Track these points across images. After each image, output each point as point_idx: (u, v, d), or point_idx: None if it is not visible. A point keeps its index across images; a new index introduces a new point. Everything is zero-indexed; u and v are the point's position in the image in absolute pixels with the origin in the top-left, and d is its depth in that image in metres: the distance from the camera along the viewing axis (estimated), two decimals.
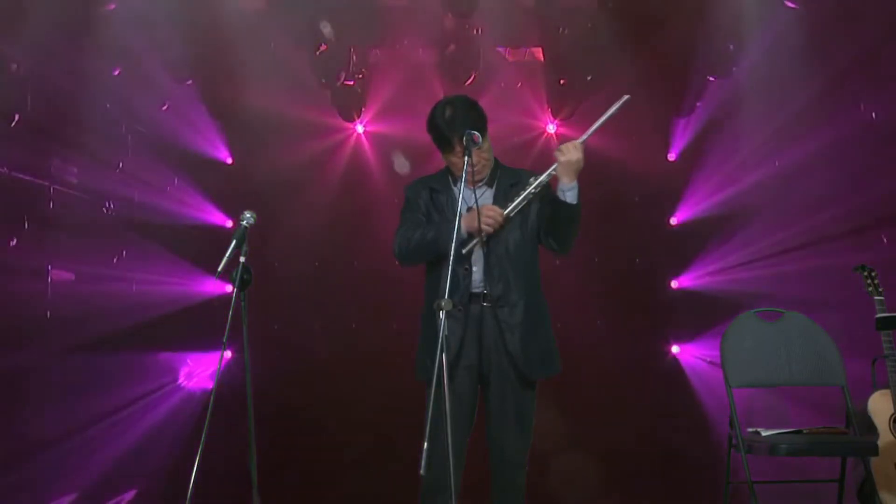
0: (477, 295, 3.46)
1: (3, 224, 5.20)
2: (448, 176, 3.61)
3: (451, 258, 3.18)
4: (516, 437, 3.48)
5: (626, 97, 3.50)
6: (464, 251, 3.39)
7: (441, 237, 3.41)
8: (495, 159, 3.61)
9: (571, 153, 3.42)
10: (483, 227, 3.39)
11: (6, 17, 4.98)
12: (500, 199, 3.51)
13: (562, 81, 5.98)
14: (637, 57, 5.61)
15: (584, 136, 3.49)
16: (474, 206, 3.35)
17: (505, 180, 3.58)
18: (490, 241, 3.46)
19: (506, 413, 3.47)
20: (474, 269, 3.46)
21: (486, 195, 3.54)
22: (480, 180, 3.48)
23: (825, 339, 4.21)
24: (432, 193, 3.59)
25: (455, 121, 3.43)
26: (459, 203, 3.36)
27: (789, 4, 5.52)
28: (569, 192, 3.43)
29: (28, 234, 5.31)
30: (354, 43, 5.86)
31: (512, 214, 3.45)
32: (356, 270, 6.14)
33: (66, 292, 5.57)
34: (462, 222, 3.34)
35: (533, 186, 3.47)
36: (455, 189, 3.55)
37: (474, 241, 3.42)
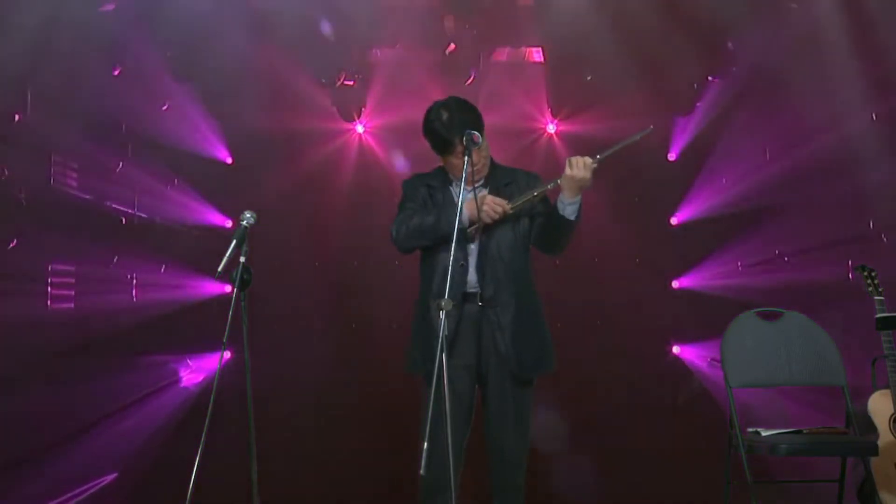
0: (472, 295, 3.47)
1: (3, 224, 5.20)
2: (444, 175, 3.61)
3: (452, 255, 3.18)
4: (515, 437, 3.49)
5: (650, 128, 3.51)
6: (468, 230, 3.42)
7: (441, 221, 3.43)
8: (490, 158, 3.62)
9: (579, 170, 3.37)
10: (483, 216, 3.40)
11: (6, 18, 4.98)
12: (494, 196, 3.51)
13: (562, 81, 5.98)
14: (637, 56, 5.61)
15: (599, 157, 3.42)
16: (474, 196, 3.37)
17: (500, 179, 3.58)
18: (482, 242, 3.47)
19: (505, 413, 3.47)
20: (470, 267, 3.47)
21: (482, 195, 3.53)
22: (479, 180, 3.49)
23: (825, 339, 4.21)
24: (430, 190, 3.60)
25: (454, 122, 3.44)
26: (460, 204, 3.37)
27: (785, 2, 5.51)
28: (569, 207, 3.41)
29: (28, 234, 5.30)
30: (354, 43, 5.86)
31: (512, 211, 3.45)
32: (356, 270, 6.14)
33: (66, 292, 5.57)
34: (465, 208, 3.37)
35: (536, 192, 3.47)
36: (451, 189, 3.56)
37: (474, 226, 3.43)
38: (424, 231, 3.49)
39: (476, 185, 3.43)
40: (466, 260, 3.47)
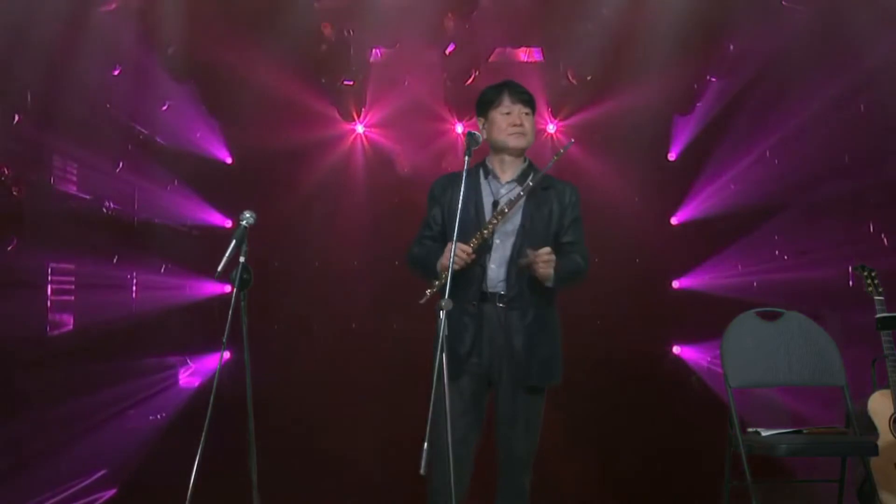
0: (493, 295, 3.45)
1: (3, 224, 5.21)
2: (480, 170, 3.60)
3: (452, 257, 3.19)
4: (524, 439, 3.48)
5: (571, 141, 3.62)
6: (428, 292, 3.38)
7: (438, 270, 3.42)
8: (529, 161, 3.61)
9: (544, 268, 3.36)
10: (445, 262, 3.35)
11: (6, 17, 4.98)
12: (531, 199, 3.49)
13: (562, 81, 5.99)
14: (637, 56, 5.61)
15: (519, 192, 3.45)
16: (499, 201, 3.41)
17: (538, 183, 3.56)
18: (515, 243, 3.45)
19: (514, 416, 3.45)
20: (491, 266, 3.44)
21: (516, 192, 3.52)
22: (518, 146, 3.54)
23: (825, 339, 4.20)
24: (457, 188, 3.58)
25: (508, 83, 3.59)
26: (461, 188, 3.34)
27: (785, 3, 5.51)
28: (547, 281, 3.42)
29: (28, 234, 5.31)
30: (354, 43, 5.87)
31: (475, 248, 3.38)
32: (356, 270, 6.14)
33: (66, 292, 5.58)
34: (439, 263, 3.40)
35: (486, 229, 3.42)
36: (485, 182, 3.55)
37: (444, 277, 3.33)
38: (427, 269, 3.49)
39: (507, 181, 3.52)
40: (485, 264, 3.44)
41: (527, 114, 3.56)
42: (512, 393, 3.45)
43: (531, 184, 3.46)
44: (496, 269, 3.45)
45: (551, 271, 3.35)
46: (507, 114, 3.54)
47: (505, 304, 3.44)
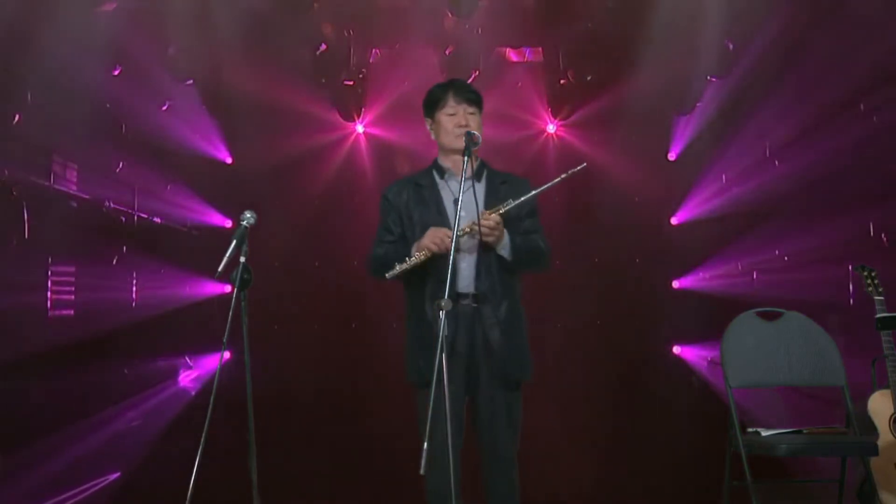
0: (465, 294, 3.45)
1: (3, 224, 5.21)
2: (433, 171, 3.61)
3: (451, 258, 3.17)
4: (508, 434, 3.49)
5: (583, 165, 3.47)
6: (398, 266, 3.40)
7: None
8: (481, 160, 3.61)
9: (489, 231, 3.38)
10: (429, 244, 3.38)
11: (6, 18, 4.98)
12: (493, 195, 3.52)
13: (562, 81, 5.99)
14: (637, 56, 5.61)
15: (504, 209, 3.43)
16: (459, 200, 3.31)
17: (495, 178, 3.59)
18: (482, 241, 3.45)
19: (497, 411, 3.46)
20: (462, 265, 3.45)
21: (476, 188, 3.51)
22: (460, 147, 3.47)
23: (825, 339, 4.20)
24: (417, 189, 3.58)
25: (454, 82, 3.60)
26: (416, 200, 3.42)
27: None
28: (502, 250, 3.45)
29: (28, 234, 5.30)
30: (354, 43, 5.87)
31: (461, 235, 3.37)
32: (356, 270, 6.13)
33: (66, 292, 5.58)
34: (416, 244, 3.42)
35: (471, 227, 3.41)
36: (441, 182, 3.56)
37: (419, 258, 3.39)
38: (396, 258, 3.46)
39: (469, 178, 3.41)
40: (457, 263, 3.44)
41: (472, 113, 3.54)
42: (492, 391, 3.46)
43: (529, 194, 3.46)
44: (466, 268, 3.46)
45: (491, 240, 3.38)
46: (452, 115, 3.53)
47: (478, 302, 3.45)
